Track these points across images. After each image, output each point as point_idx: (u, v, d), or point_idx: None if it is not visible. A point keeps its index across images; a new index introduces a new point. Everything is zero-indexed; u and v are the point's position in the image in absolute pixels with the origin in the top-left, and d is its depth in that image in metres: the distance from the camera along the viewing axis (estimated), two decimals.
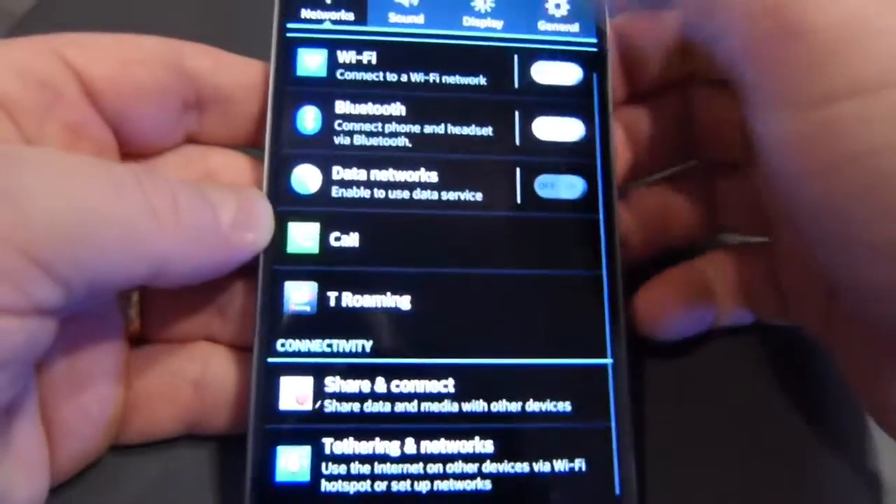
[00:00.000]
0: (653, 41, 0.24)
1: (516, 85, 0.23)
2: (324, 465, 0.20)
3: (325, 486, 0.20)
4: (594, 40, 0.24)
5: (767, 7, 0.17)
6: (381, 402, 0.20)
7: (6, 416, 0.18)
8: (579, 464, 0.20)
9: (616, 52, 0.24)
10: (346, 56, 0.23)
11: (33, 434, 0.19)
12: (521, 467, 0.20)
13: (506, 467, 0.20)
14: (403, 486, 0.20)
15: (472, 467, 0.20)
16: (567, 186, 0.23)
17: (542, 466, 0.20)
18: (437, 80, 0.23)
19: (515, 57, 0.23)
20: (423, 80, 0.23)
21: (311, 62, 0.22)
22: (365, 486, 0.20)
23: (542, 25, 0.24)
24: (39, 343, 0.16)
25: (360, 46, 0.23)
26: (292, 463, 0.20)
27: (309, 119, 0.22)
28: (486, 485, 0.20)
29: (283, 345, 0.20)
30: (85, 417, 0.20)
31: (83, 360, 0.20)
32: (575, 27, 0.24)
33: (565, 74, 0.23)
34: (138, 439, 0.21)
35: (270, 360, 0.20)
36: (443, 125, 0.22)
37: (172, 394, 0.21)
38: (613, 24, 0.24)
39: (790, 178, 0.17)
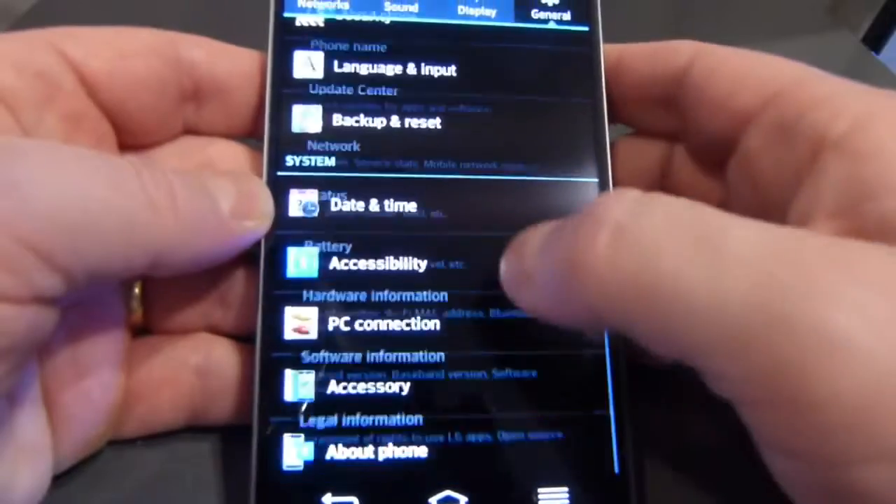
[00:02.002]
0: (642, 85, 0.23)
1: (512, 69, 0.23)
2: (328, 454, 0.20)
3: (329, 473, 0.20)
4: (585, 28, 0.24)
5: (757, 379, 0.14)
6: (384, 385, 0.21)
7: (9, 405, 0.18)
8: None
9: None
10: (343, 45, 0.23)
11: (36, 422, 0.19)
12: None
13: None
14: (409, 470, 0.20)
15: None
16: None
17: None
18: (432, 71, 0.23)
19: (509, 43, 0.23)
20: (418, 70, 0.23)
21: (308, 52, 0.23)
22: (368, 472, 0.20)
23: (535, 14, 0.24)
24: (39, 331, 0.17)
25: (356, 35, 0.23)
26: (297, 452, 0.20)
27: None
28: None
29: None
30: (87, 403, 0.20)
31: (85, 346, 0.20)
32: (567, 15, 0.24)
33: (559, 58, 0.24)
34: (140, 430, 0.22)
35: (275, 353, 0.20)
36: (437, 110, 0.23)
37: (175, 381, 0.21)
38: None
39: None
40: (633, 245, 0.15)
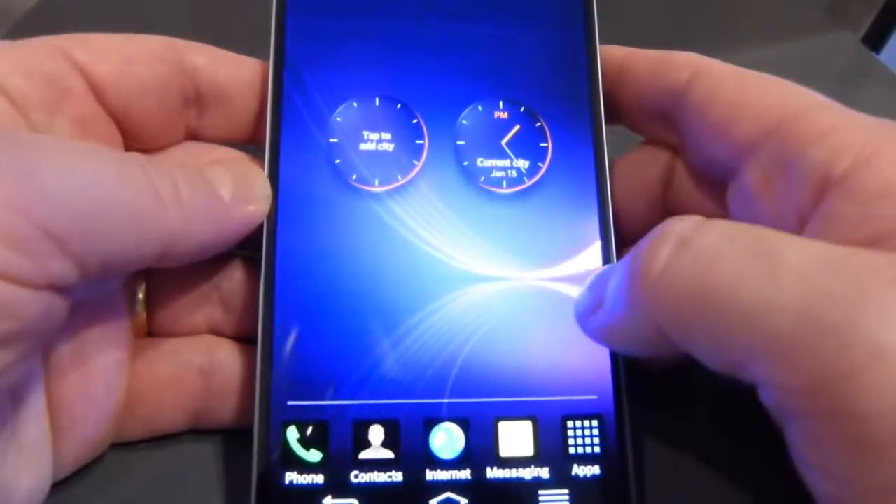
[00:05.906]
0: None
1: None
2: (329, 456, 0.20)
3: (330, 476, 0.20)
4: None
5: (808, 387, 0.14)
6: (384, 385, 0.21)
7: (12, 406, 0.18)
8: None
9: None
10: (348, 48, 0.23)
11: (39, 424, 0.19)
12: None
13: None
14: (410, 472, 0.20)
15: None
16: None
17: None
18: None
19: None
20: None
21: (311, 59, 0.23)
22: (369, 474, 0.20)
23: None
24: (50, 320, 0.17)
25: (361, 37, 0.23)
26: (298, 453, 0.20)
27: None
28: None
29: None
30: (91, 404, 0.20)
31: (90, 348, 0.20)
32: None
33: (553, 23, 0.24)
34: (143, 432, 0.22)
35: (275, 353, 0.21)
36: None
37: (178, 382, 0.21)
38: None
39: None
40: (693, 254, 0.16)
